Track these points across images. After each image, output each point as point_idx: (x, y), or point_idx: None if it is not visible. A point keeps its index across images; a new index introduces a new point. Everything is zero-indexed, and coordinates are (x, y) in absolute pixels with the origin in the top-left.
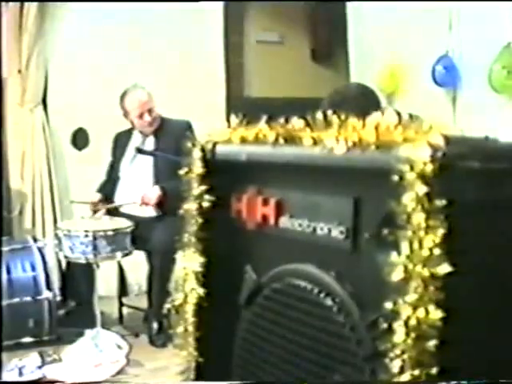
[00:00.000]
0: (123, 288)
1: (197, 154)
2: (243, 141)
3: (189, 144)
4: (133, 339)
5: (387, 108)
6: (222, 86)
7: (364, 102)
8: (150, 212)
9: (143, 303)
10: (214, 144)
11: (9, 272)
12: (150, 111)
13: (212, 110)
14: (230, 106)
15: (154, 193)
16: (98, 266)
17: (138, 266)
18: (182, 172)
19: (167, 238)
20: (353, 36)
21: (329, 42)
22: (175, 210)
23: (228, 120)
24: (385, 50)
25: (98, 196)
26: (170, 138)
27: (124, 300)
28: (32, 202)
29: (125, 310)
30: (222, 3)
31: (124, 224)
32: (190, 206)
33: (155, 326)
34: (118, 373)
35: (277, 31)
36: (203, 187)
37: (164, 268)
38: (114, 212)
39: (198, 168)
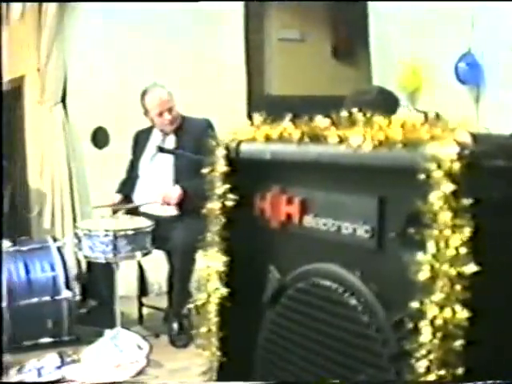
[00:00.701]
0: (143, 288)
1: (221, 152)
2: (267, 139)
3: (213, 142)
4: (153, 339)
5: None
6: (242, 84)
7: (384, 106)
8: (170, 211)
9: (163, 303)
10: (239, 142)
11: (28, 272)
12: (170, 110)
13: (233, 109)
14: (251, 104)
15: (175, 192)
16: (117, 266)
17: (158, 265)
18: (205, 171)
19: (187, 237)
20: (374, 33)
21: (350, 40)
22: (195, 209)
23: (250, 118)
24: (407, 47)
25: (118, 197)
26: (191, 136)
27: (144, 300)
28: (51, 201)
29: (145, 310)
30: (242, 2)
31: (144, 223)
32: (214, 205)
33: (175, 326)
34: (138, 373)
35: (297, 29)
36: (227, 186)
37: (184, 268)
38: (133, 211)
39: (221, 166)
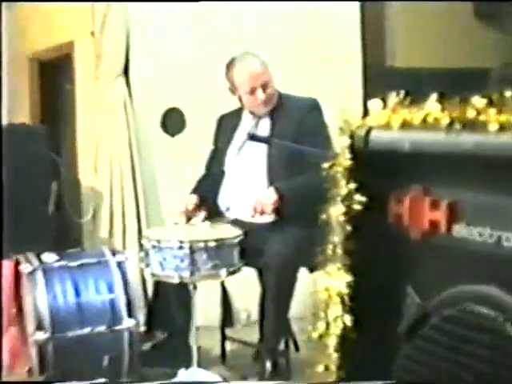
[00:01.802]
0: (227, 316)
1: (345, 141)
2: (405, 125)
3: (335, 129)
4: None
5: None
6: (357, 55)
7: None
8: (264, 217)
9: (253, 336)
10: (368, 130)
11: (78, 294)
12: (264, 86)
13: (344, 85)
14: (368, 80)
15: (270, 198)
16: (195, 288)
17: (246, 287)
18: (325, 166)
19: (286, 250)
20: None
21: None
22: (295, 214)
23: (366, 96)
24: None
25: (193, 199)
26: (291, 120)
27: (228, 332)
28: (109, 203)
29: (228, 345)
30: None
31: (230, 233)
32: (336, 210)
33: (268, 365)
34: None
35: None
36: (352, 185)
37: (281, 290)
38: (216, 217)
39: (345, 160)
